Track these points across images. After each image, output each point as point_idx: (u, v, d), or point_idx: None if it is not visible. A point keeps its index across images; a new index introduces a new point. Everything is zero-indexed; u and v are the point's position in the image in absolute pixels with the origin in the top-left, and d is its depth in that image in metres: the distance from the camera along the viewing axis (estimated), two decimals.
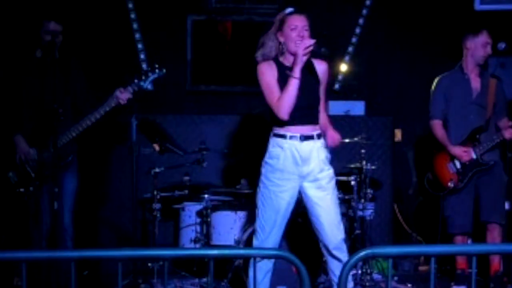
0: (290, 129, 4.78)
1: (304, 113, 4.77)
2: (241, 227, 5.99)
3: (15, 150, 5.54)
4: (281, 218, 4.83)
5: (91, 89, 5.79)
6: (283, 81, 4.74)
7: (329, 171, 4.86)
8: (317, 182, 4.81)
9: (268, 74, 4.79)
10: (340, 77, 7.44)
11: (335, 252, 4.81)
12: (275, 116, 4.76)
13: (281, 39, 4.81)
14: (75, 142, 5.66)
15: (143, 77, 5.62)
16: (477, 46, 5.99)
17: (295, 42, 4.72)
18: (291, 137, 4.77)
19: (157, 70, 5.67)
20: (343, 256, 4.81)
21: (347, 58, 7.49)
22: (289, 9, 4.85)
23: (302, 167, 4.78)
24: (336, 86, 7.41)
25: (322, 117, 4.94)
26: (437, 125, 6.10)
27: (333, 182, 4.88)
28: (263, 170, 4.88)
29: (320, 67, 4.93)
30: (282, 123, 4.77)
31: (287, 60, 4.84)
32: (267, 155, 4.88)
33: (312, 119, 4.83)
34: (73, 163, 5.66)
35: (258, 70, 4.85)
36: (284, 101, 4.69)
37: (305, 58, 4.64)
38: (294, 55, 4.71)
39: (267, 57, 4.87)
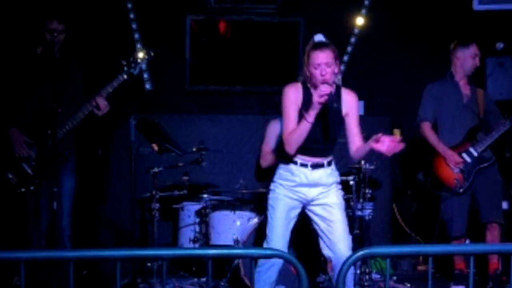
0: (302, 157, 4.78)
1: (319, 146, 4.77)
2: (241, 227, 6.00)
3: (12, 147, 5.53)
4: (286, 224, 4.83)
5: (90, 88, 5.79)
6: (305, 106, 4.68)
7: (337, 193, 4.87)
8: (324, 205, 4.83)
9: (290, 98, 4.76)
10: (339, 77, 7.43)
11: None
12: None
13: (307, 73, 4.75)
14: (71, 139, 5.66)
15: (132, 64, 5.57)
16: (466, 58, 6.10)
17: (318, 80, 4.65)
18: (301, 165, 4.78)
19: (146, 56, 5.65)
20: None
21: (346, 58, 7.50)
22: (317, 37, 4.75)
23: (309, 190, 4.80)
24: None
25: (358, 144, 4.85)
26: (427, 127, 6.16)
27: (340, 202, 4.87)
28: (272, 186, 4.90)
29: (348, 97, 4.84)
30: (299, 152, 4.76)
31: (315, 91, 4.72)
32: (276, 175, 4.90)
33: (325, 153, 4.82)
34: (71, 162, 5.65)
35: (283, 91, 4.81)
36: (293, 139, 4.70)
37: (320, 105, 4.56)
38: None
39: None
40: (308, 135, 4.66)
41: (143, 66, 5.76)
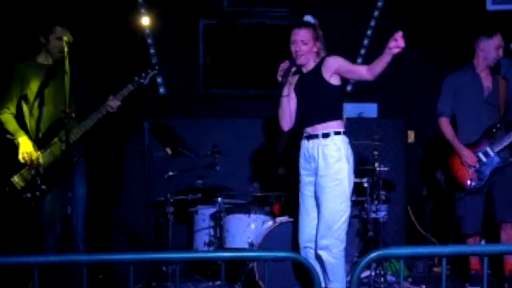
0: (305, 129, 5.18)
1: (309, 114, 5.14)
2: (255, 230, 5.99)
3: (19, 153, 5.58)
4: (306, 210, 5.15)
5: (102, 94, 5.83)
6: (296, 88, 5.24)
7: (332, 170, 5.01)
8: (321, 178, 5.06)
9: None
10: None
11: (318, 251, 5.04)
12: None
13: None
14: (80, 145, 5.71)
15: (143, 74, 5.73)
16: (490, 48, 6.01)
17: (293, 56, 5.14)
18: (305, 137, 5.19)
19: (156, 67, 5.82)
20: (326, 259, 5.01)
21: (359, 60, 7.48)
22: (305, 18, 5.22)
23: (310, 163, 5.13)
24: (349, 88, 7.40)
25: (366, 67, 5.06)
26: (445, 123, 6.10)
27: (335, 182, 5.01)
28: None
29: (327, 63, 5.13)
30: (300, 126, 5.22)
31: (304, 68, 5.24)
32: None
33: (320, 119, 5.11)
34: (81, 167, 5.71)
35: None
36: (278, 116, 5.26)
37: (283, 80, 5.08)
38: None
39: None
40: (298, 105, 5.18)
41: (156, 77, 5.85)
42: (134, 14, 7.30)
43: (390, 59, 4.86)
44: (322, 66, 5.13)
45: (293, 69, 5.13)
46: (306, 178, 5.18)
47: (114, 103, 5.64)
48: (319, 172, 5.05)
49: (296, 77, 5.25)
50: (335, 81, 5.12)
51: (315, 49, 5.16)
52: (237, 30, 7.56)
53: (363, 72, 5.02)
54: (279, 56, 7.36)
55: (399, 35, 4.80)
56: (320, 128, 5.08)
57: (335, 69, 5.09)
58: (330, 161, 5.02)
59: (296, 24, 5.20)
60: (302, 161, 5.20)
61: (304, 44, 5.10)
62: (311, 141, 5.11)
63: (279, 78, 5.12)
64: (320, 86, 5.12)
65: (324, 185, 5.02)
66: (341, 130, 5.10)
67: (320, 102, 5.12)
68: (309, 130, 5.12)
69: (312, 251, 5.11)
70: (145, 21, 7.30)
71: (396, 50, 4.81)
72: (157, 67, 5.83)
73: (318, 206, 5.09)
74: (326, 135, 5.06)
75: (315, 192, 5.11)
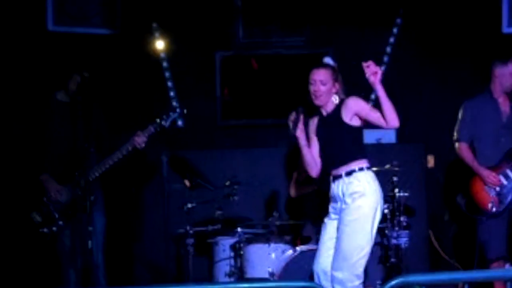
0: (331, 171, 5.12)
1: (334, 157, 5.07)
2: (276, 260, 5.97)
3: (40, 190, 5.64)
4: (325, 240, 5.07)
5: (121, 130, 5.90)
6: (317, 131, 5.19)
7: (354, 204, 4.93)
8: (343, 212, 4.98)
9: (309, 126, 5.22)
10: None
11: (334, 284, 4.93)
12: None
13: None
14: (99, 182, 5.76)
15: (164, 116, 5.78)
16: (505, 75, 6.04)
17: (313, 96, 5.09)
18: (331, 179, 5.10)
19: (177, 109, 5.89)
20: None
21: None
22: (325, 59, 5.17)
23: (337, 203, 5.05)
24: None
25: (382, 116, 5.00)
26: (464, 148, 6.09)
27: (355, 215, 4.93)
28: None
29: (347, 105, 5.07)
30: (328, 169, 5.15)
31: (323, 110, 5.18)
32: None
33: (342, 162, 5.03)
34: (99, 201, 5.75)
35: None
36: (304, 164, 5.22)
37: (294, 131, 5.05)
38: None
39: None
40: (320, 149, 5.16)
41: (176, 119, 5.90)
42: (151, 50, 7.35)
43: (382, 91, 4.90)
44: (342, 108, 5.06)
45: (301, 117, 5.06)
46: (332, 216, 5.11)
47: (141, 139, 5.66)
48: (342, 207, 4.99)
49: (315, 121, 5.19)
50: (355, 122, 5.04)
51: (334, 90, 5.08)
52: (253, 61, 7.59)
53: (381, 119, 4.96)
54: (296, 85, 7.48)
55: (365, 64, 4.90)
56: (343, 169, 5.02)
57: (356, 111, 5.03)
58: (354, 196, 4.94)
59: (316, 65, 5.14)
60: (331, 201, 5.14)
61: (322, 84, 5.04)
62: (336, 182, 5.04)
63: (291, 132, 5.05)
64: (340, 129, 5.05)
65: (344, 218, 4.93)
66: (364, 166, 5.03)
67: (341, 145, 5.05)
68: (334, 171, 5.06)
69: (326, 282, 4.99)
70: (163, 55, 7.37)
71: (373, 78, 4.88)
72: (178, 110, 5.88)
73: (337, 238, 4.99)
74: (349, 174, 4.99)
75: (338, 225, 5.03)
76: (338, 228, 5.00)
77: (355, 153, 5.04)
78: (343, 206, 4.96)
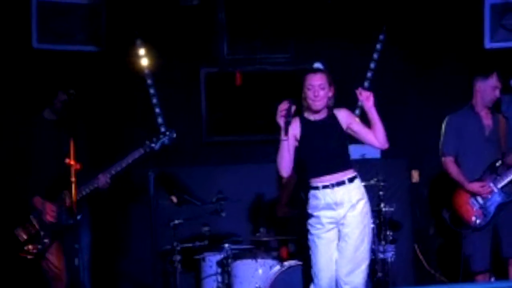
0: (322, 179, 5.07)
1: (332, 162, 5.07)
2: (263, 275, 5.98)
3: (26, 208, 5.62)
4: (327, 262, 5.04)
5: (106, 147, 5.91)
6: (305, 135, 5.13)
7: (362, 211, 5.04)
8: (347, 223, 5.02)
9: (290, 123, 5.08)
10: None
11: None
12: (305, 170, 5.10)
13: (303, 95, 5.15)
14: (85, 200, 5.75)
15: (154, 139, 5.84)
16: (486, 89, 6.09)
17: (311, 100, 5.09)
18: (323, 187, 5.06)
19: (167, 133, 5.94)
20: None
21: (360, 102, 7.52)
22: (315, 65, 5.19)
23: (337, 211, 5.03)
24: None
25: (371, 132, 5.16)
26: (450, 162, 6.13)
27: (362, 221, 5.04)
28: (307, 220, 5.14)
29: (341, 114, 5.20)
30: (315, 175, 5.09)
31: (312, 116, 5.18)
32: (307, 206, 5.16)
33: (341, 167, 5.08)
34: (85, 219, 5.75)
35: None
36: (277, 160, 5.13)
37: (281, 121, 4.97)
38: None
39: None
40: (314, 153, 5.05)
41: (166, 142, 5.93)
42: (136, 67, 7.37)
43: (375, 114, 5.09)
44: (338, 115, 5.15)
45: (293, 108, 5.06)
46: (328, 226, 5.06)
47: (104, 179, 5.67)
48: (347, 217, 5.01)
49: (296, 123, 5.18)
50: (346, 132, 5.17)
51: (330, 94, 5.13)
52: (238, 77, 7.60)
53: (372, 136, 5.11)
54: (281, 101, 7.50)
55: (359, 91, 5.07)
56: (345, 175, 5.05)
57: (349, 122, 5.15)
58: (360, 202, 5.05)
59: (310, 71, 5.16)
60: (321, 210, 5.07)
61: (321, 88, 5.08)
62: (335, 188, 5.02)
63: (281, 120, 5.00)
64: (341, 135, 5.13)
65: (354, 224, 5.00)
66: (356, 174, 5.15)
67: (342, 152, 5.12)
68: (332, 178, 5.04)
69: None
70: (147, 72, 7.38)
71: (367, 103, 5.05)
72: (168, 133, 5.91)
73: (345, 245, 5.02)
74: (351, 180, 5.07)
75: (341, 236, 5.04)
76: (343, 236, 5.02)
77: (349, 160, 5.16)
78: (349, 213, 5.01)
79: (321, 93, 5.07)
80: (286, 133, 4.98)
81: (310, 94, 5.08)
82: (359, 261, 5.00)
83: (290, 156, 5.10)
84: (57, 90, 5.70)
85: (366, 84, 7.60)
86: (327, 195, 5.03)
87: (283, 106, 5.01)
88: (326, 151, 5.07)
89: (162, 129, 7.02)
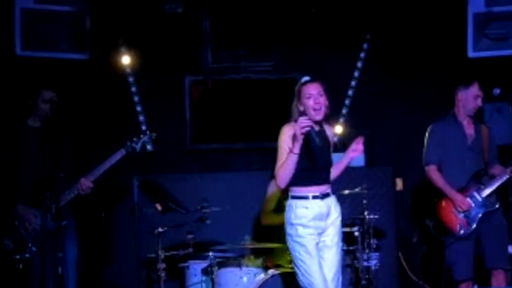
0: (310, 189, 5.00)
1: (322, 174, 5.04)
2: (248, 283, 5.97)
3: (12, 216, 5.60)
4: (318, 268, 4.97)
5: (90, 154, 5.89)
6: (306, 146, 4.94)
7: (339, 226, 5.09)
8: (328, 237, 5.03)
9: (285, 136, 4.97)
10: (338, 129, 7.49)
11: None
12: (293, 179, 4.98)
13: (301, 108, 5.01)
14: (70, 209, 5.75)
15: (135, 139, 5.82)
16: (468, 98, 6.11)
17: (313, 109, 4.97)
18: (313, 197, 4.99)
19: (147, 132, 5.92)
20: None
21: (344, 111, 7.57)
22: (304, 78, 5.08)
23: (325, 221, 5.01)
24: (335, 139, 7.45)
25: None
26: (433, 171, 6.14)
27: (339, 237, 5.09)
28: (290, 232, 5.02)
29: (330, 131, 5.23)
30: (303, 184, 4.99)
31: (315, 125, 5.04)
32: (292, 216, 5.02)
33: (328, 179, 5.09)
34: (72, 228, 5.73)
35: (280, 130, 5.03)
36: (281, 172, 4.94)
37: (302, 136, 4.80)
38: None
39: None
40: (314, 164, 4.94)
41: (146, 142, 5.92)
42: (120, 75, 7.36)
43: (347, 163, 5.14)
44: (327, 130, 5.15)
45: (311, 125, 4.89)
46: (317, 237, 5.00)
47: (87, 183, 5.65)
48: (330, 228, 5.03)
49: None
50: None
51: (327, 103, 5.05)
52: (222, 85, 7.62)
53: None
54: (265, 109, 7.53)
55: (361, 139, 5.03)
56: (328, 187, 5.06)
57: (333, 141, 5.23)
58: (339, 218, 5.10)
59: (305, 82, 5.04)
60: (311, 221, 4.97)
61: (321, 95, 4.99)
62: (326, 200, 5.01)
63: (301, 136, 4.80)
64: (330, 147, 5.15)
65: (339, 232, 5.08)
66: None
67: (330, 163, 5.11)
68: (317, 189, 4.99)
69: None
70: (131, 80, 7.37)
71: (354, 154, 5.07)
72: (148, 132, 5.90)
73: (332, 253, 5.04)
74: (334, 192, 5.13)
75: (325, 247, 5.04)
76: (331, 244, 5.04)
77: None
78: (337, 222, 5.06)
79: (322, 100, 4.98)
80: (300, 148, 4.84)
81: (311, 103, 4.97)
82: (340, 268, 5.06)
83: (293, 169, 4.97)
84: (39, 89, 5.68)
85: (350, 92, 7.65)
86: (317, 205, 4.98)
87: (306, 123, 4.79)
88: (323, 162, 5.04)
89: (143, 128, 7.05)
